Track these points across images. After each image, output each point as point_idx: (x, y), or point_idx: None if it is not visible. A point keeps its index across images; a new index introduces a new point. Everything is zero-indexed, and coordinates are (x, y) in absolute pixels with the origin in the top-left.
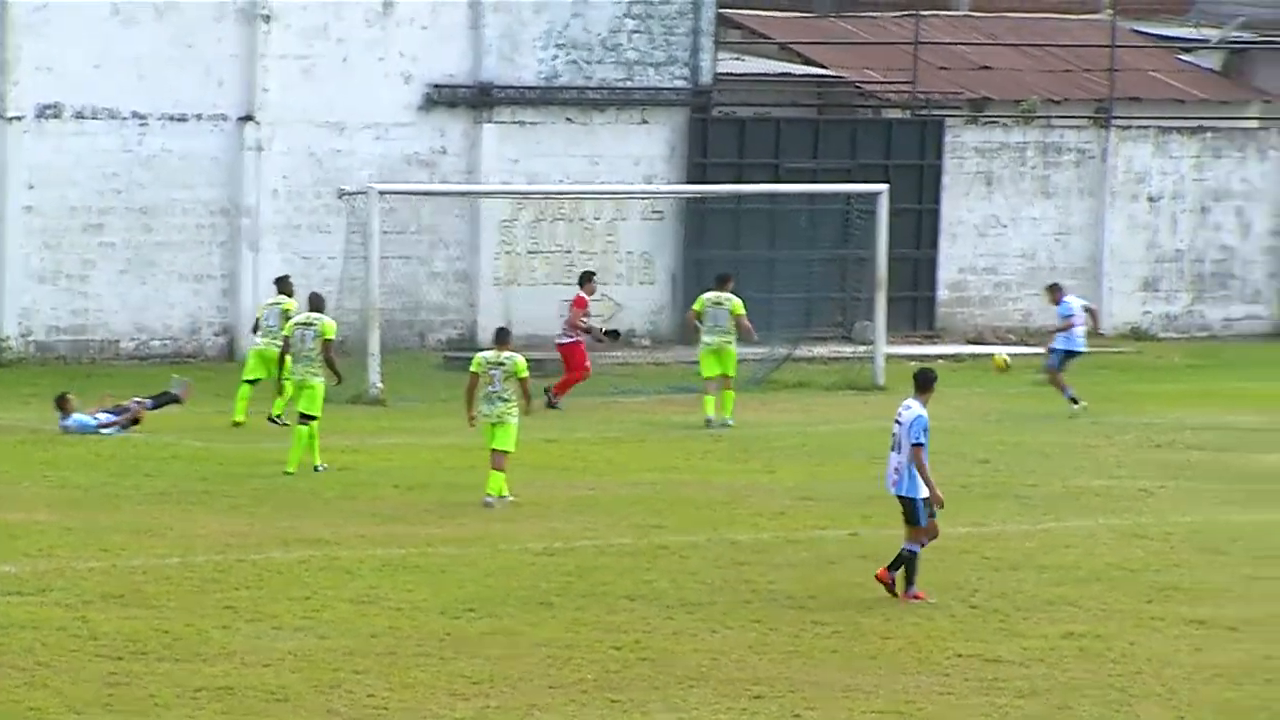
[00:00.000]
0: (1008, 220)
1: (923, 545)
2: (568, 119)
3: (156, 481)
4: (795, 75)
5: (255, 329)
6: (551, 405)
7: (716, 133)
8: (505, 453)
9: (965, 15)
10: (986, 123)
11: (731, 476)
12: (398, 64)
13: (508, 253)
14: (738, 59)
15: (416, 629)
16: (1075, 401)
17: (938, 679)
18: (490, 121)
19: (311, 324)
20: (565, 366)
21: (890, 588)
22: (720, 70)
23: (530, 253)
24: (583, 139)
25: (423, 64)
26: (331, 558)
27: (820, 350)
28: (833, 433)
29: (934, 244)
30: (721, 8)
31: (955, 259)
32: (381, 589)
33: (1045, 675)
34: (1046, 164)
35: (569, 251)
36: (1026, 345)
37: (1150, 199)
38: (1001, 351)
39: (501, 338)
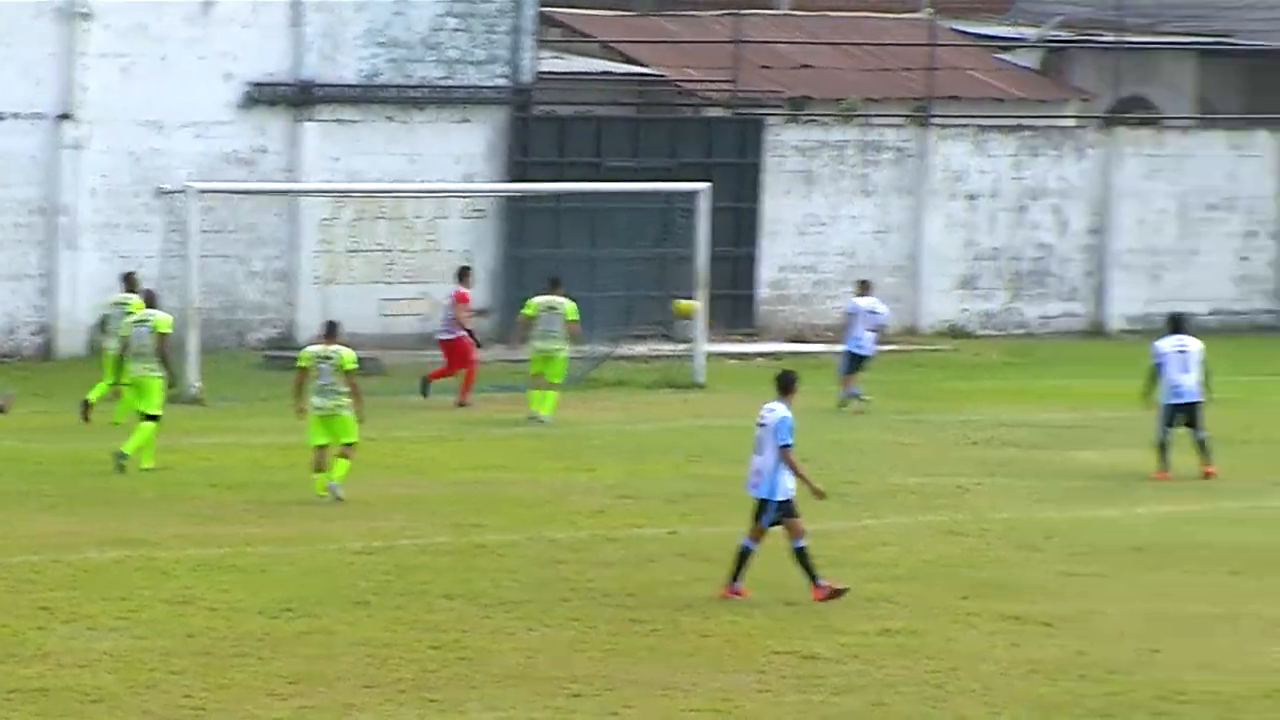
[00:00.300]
0: (827, 218)
1: (756, 543)
2: (388, 117)
3: None
4: (616, 74)
5: (103, 328)
6: (424, 394)
7: (537, 131)
8: (351, 444)
9: (786, 14)
10: (806, 121)
11: (551, 475)
12: (218, 62)
13: (327, 251)
14: (559, 57)
15: (233, 629)
16: (857, 400)
17: (755, 676)
18: (311, 120)
19: (146, 320)
20: (448, 361)
21: (827, 596)
22: (541, 69)
23: (350, 251)
24: (403, 137)
25: (243, 62)
26: (149, 558)
27: (640, 349)
28: (652, 431)
29: (754, 242)
30: (542, 6)
31: (775, 257)
32: (198, 589)
33: (861, 672)
34: (866, 162)
35: (389, 250)
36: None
37: (968, 197)
38: (688, 302)
39: (330, 331)
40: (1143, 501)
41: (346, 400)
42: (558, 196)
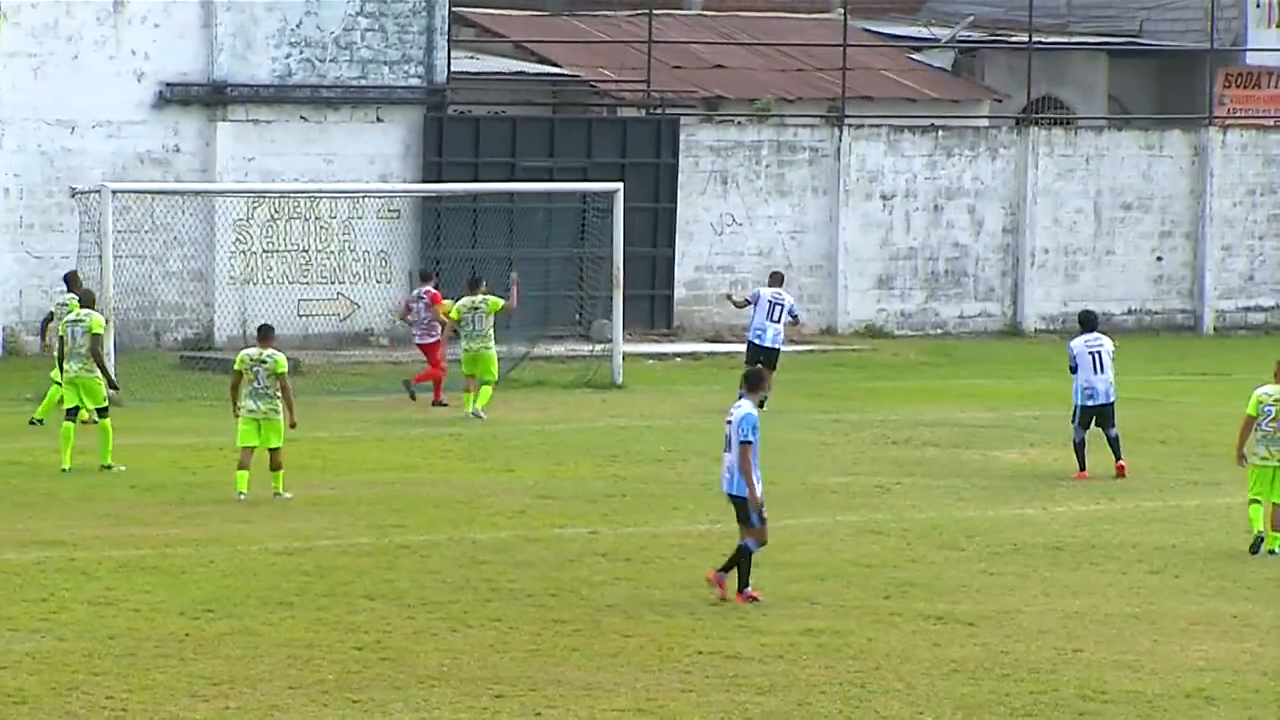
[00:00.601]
0: (743, 218)
1: (759, 546)
2: (302, 117)
3: None
4: (530, 74)
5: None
6: (411, 395)
7: (452, 131)
8: (276, 449)
9: (698, 14)
10: (721, 121)
11: (471, 475)
12: (130, 62)
13: (243, 252)
14: (472, 57)
15: (155, 630)
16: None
17: (679, 676)
18: (224, 120)
19: (81, 320)
20: (431, 363)
21: (721, 589)
22: (455, 69)
23: (266, 251)
24: (317, 137)
25: (155, 62)
26: (69, 559)
27: (558, 349)
28: (571, 431)
29: (670, 242)
30: (455, 6)
31: (692, 257)
32: (119, 590)
33: (785, 672)
34: (781, 162)
35: (305, 250)
36: None
37: (884, 197)
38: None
39: (264, 334)
40: (1062, 501)
41: (279, 404)
42: (474, 196)
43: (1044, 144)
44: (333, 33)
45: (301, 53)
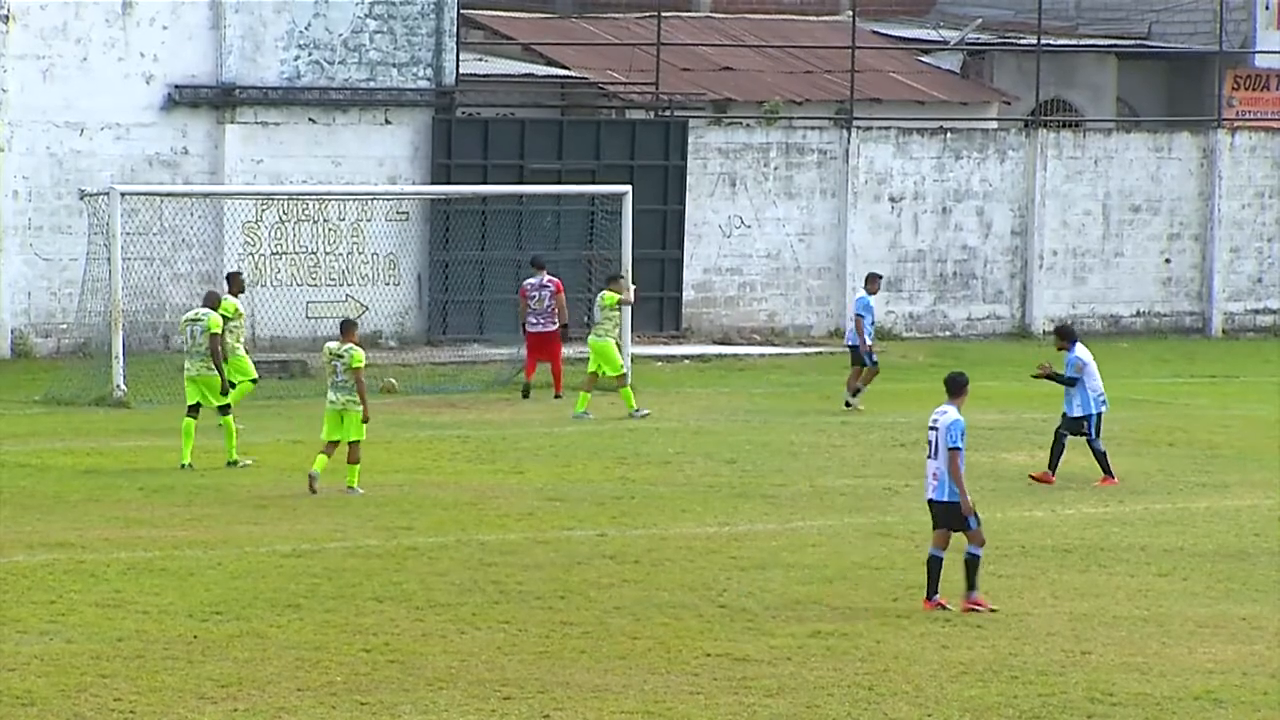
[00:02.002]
0: (751, 221)
1: (982, 546)
2: (311, 119)
3: None
4: (538, 76)
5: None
6: (525, 393)
7: (460, 133)
8: (355, 442)
9: (706, 17)
10: (729, 124)
11: (479, 477)
12: (138, 64)
13: (252, 254)
14: (481, 60)
15: (164, 632)
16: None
17: (687, 678)
18: (233, 122)
19: (200, 319)
20: (549, 356)
21: (934, 604)
22: (463, 71)
23: (274, 254)
24: (326, 139)
25: (164, 64)
26: (77, 561)
27: (567, 350)
28: (580, 433)
29: (679, 244)
30: (463, 9)
31: (700, 259)
32: (128, 592)
33: (793, 674)
34: (789, 165)
35: (314, 253)
36: (772, 345)
37: (892, 200)
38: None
39: (346, 329)
40: (1070, 503)
41: (356, 398)
42: (483, 199)
43: (1052, 146)
44: (341, 35)
45: (310, 55)
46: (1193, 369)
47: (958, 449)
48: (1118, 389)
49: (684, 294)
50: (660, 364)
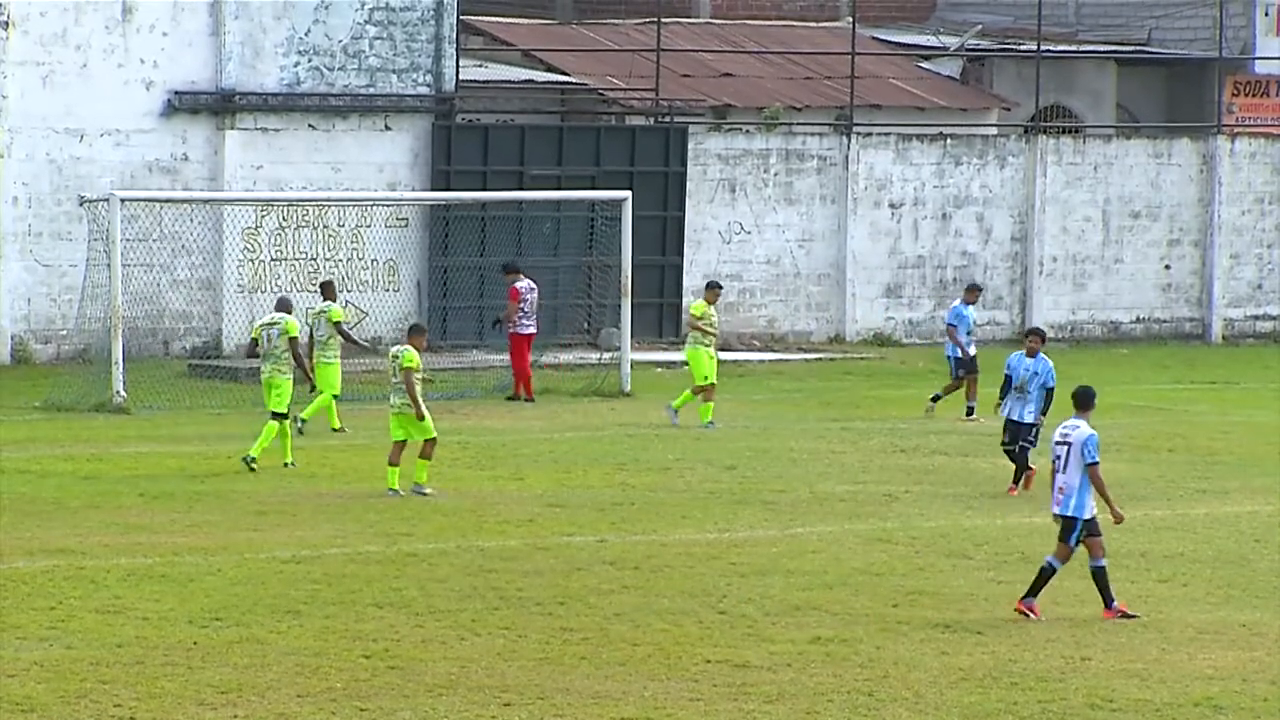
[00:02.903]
0: (751, 227)
1: (1062, 562)
2: (310, 126)
3: None
4: (538, 82)
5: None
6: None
7: (460, 140)
8: (430, 440)
9: (706, 23)
10: (729, 129)
11: (479, 484)
12: (138, 70)
13: (251, 260)
14: (480, 66)
15: (163, 638)
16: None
17: (687, 685)
18: (232, 128)
19: (276, 323)
20: (520, 356)
21: (1033, 613)
22: (463, 77)
23: (274, 260)
24: (326, 146)
25: (164, 70)
26: (77, 567)
27: (566, 357)
28: (580, 439)
29: (679, 251)
30: (464, 15)
31: (700, 265)
32: (128, 598)
33: (793, 680)
34: (789, 171)
35: (313, 259)
36: (772, 350)
37: (892, 205)
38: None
39: (414, 332)
40: None
41: (407, 399)
42: (482, 205)
43: (1052, 152)
44: (341, 41)
45: (310, 61)
46: (1193, 375)
47: (1095, 463)
48: (1117, 395)
49: (684, 300)
50: (660, 370)
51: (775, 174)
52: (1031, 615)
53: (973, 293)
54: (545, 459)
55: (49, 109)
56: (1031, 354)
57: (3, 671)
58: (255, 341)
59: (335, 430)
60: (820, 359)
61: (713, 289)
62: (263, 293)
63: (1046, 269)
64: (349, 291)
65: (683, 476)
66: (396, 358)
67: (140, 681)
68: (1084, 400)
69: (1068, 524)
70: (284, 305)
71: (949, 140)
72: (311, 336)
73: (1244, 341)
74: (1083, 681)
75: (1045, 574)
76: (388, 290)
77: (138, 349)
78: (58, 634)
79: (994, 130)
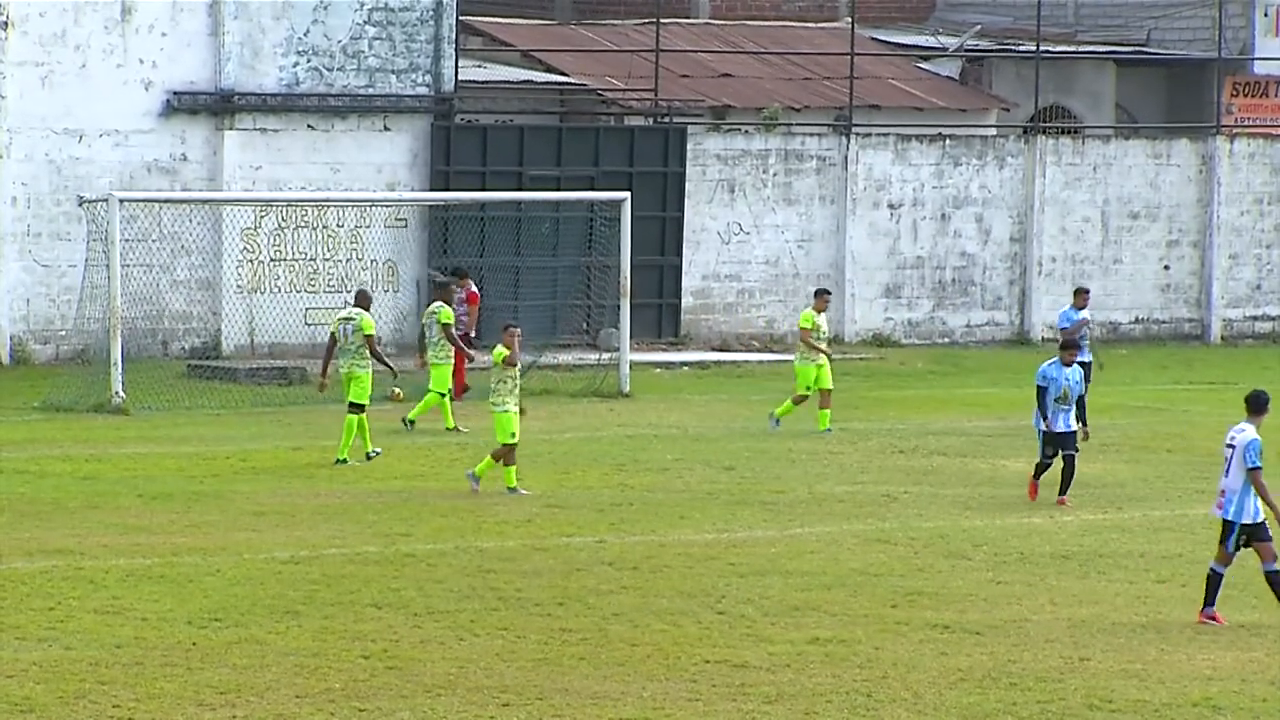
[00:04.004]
0: (750, 227)
1: (1225, 567)
2: (309, 126)
3: None
4: (537, 83)
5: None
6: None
7: (459, 140)
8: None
9: (705, 23)
10: (728, 130)
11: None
12: (137, 71)
13: (251, 260)
14: (480, 66)
15: (162, 639)
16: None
17: (686, 685)
18: (231, 128)
19: (352, 319)
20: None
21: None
22: (462, 78)
23: (274, 260)
24: (325, 146)
25: (163, 71)
26: (76, 568)
27: (565, 357)
28: (579, 440)
29: (678, 251)
30: (463, 15)
31: (699, 266)
32: (126, 599)
33: (792, 681)
34: (788, 171)
35: (313, 259)
36: (771, 351)
37: (891, 206)
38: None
39: (506, 328)
40: (1069, 509)
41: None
42: (482, 205)
43: (1051, 153)
44: (340, 41)
45: (309, 61)
46: (1191, 375)
47: (1257, 468)
48: (1116, 396)
49: (683, 300)
50: (659, 370)
51: (774, 174)
52: (1215, 622)
53: (1081, 296)
54: (544, 460)
55: (48, 109)
56: (1068, 364)
57: (2, 672)
58: (334, 336)
59: (449, 430)
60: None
61: (821, 296)
62: (262, 293)
63: (1045, 269)
64: (348, 292)
65: (681, 477)
66: (433, 313)
67: (139, 682)
68: (1256, 404)
69: (1226, 528)
70: (362, 299)
71: (948, 141)
72: (423, 337)
73: (1243, 342)
74: (1081, 682)
75: (1213, 581)
76: (387, 290)
77: (137, 349)
78: (56, 634)
79: (993, 131)
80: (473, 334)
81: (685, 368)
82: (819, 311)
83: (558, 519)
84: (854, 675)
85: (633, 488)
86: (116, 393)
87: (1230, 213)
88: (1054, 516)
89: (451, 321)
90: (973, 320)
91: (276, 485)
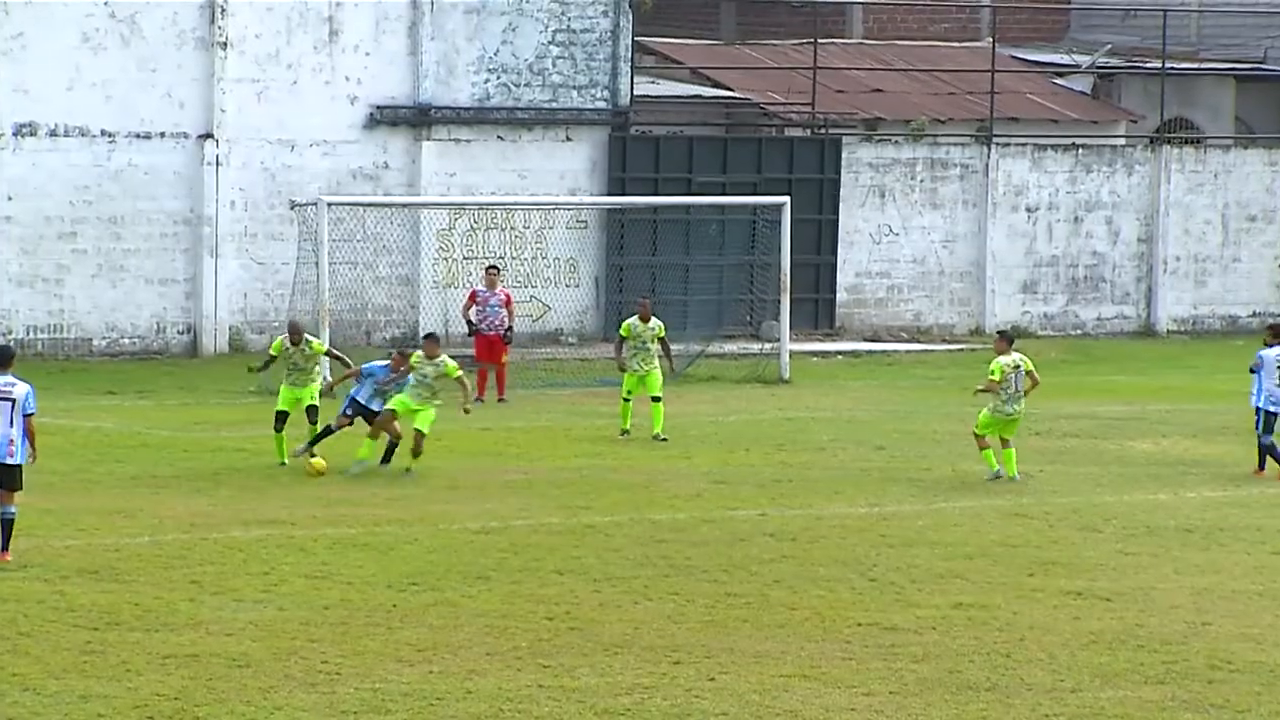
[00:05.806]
0: (899, 229)
1: None
2: (499, 137)
3: (127, 467)
4: (705, 97)
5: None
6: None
7: (634, 149)
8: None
9: (859, 43)
10: (879, 140)
11: (651, 462)
12: (343, 87)
13: (445, 259)
14: (653, 82)
15: (366, 601)
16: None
17: (840, 645)
18: (429, 139)
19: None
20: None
21: None
22: (637, 93)
23: (466, 258)
24: (512, 155)
25: (366, 87)
26: (288, 536)
27: (730, 347)
28: (742, 422)
29: (833, 250)
30: (637, 36)
31: (852, 264)
32: (333, 565)
33: (937, 642)
34: (934, 178)
35: (501, 258)
36: (918, 342)
37: (1028, 210)
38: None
39: (641, 311)
40: (1192, 487)
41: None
42: (654, 209)
43: (1175, 161)
44: (527, 60)
45: (499, 78)
46: None
47: None
48: (1235, 383)
49: (837, 295)
50: (816, 359)
51: (921, 180)
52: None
53: (1277, 333)
54: (711, 440)
55: (262, 122)
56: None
57: (221, 630)
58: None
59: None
60: (962, 350)
61: (1003, 338)
62: (455, 288)
63: (1170, 268)
64: (534, 287)
65: (836, 456)
66: (650, 328)
67: (345, 640)
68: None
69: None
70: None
71: (1080, 150)
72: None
73: None
74: (1203, 645)
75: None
76: (568, 286)
77: (343, 339)
78: (270, 596)
79: (1122, 141)
80: (507, 331)
81: (839, 357)
82: (1000, 353)
83: (723, 494)
84: (994, 637)
85: (792, 465)
86: (325, 378)
87: None
88: (1178, 493)
89: (664, 335)
90: (1103, 314)
91: (467, 463)
